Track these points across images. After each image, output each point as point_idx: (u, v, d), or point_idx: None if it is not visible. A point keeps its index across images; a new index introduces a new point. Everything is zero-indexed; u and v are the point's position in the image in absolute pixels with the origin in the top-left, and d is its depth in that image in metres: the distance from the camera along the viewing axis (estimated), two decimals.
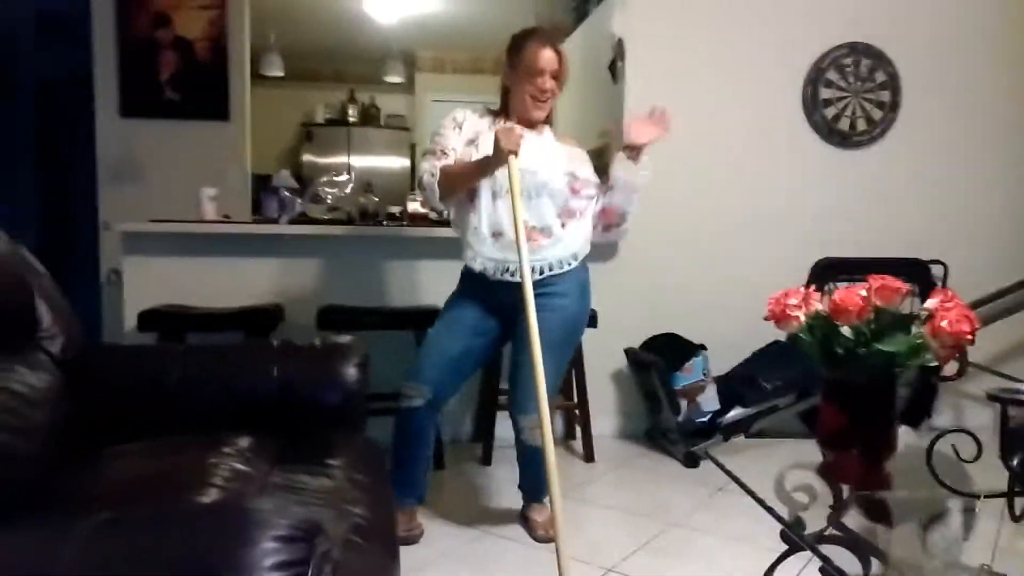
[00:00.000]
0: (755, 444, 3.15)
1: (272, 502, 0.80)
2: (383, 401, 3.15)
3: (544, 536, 2.29)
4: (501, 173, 2.11)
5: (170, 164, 4.34)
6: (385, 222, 3.49)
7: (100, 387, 1.64)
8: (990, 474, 1.38)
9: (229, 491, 1.15)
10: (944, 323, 1.23)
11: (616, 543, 2.28)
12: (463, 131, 2.24)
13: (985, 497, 1.32)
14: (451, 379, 2.27)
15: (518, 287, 2.04)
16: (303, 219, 3.29)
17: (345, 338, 1.78)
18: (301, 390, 1.67)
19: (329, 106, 6.92)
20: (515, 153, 2.03)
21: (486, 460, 3.06)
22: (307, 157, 6.66)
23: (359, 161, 6.66)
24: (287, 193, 3.34)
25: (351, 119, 6.86)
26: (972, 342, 1.25)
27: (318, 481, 1.34)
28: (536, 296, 2.03)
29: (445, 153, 2.19)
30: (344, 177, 3.49)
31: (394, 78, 6.56)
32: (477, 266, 2.23)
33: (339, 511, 1.23)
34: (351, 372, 1.69)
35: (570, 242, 2.25)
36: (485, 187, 2.17)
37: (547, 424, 1.90)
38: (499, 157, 2.04)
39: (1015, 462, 1.25)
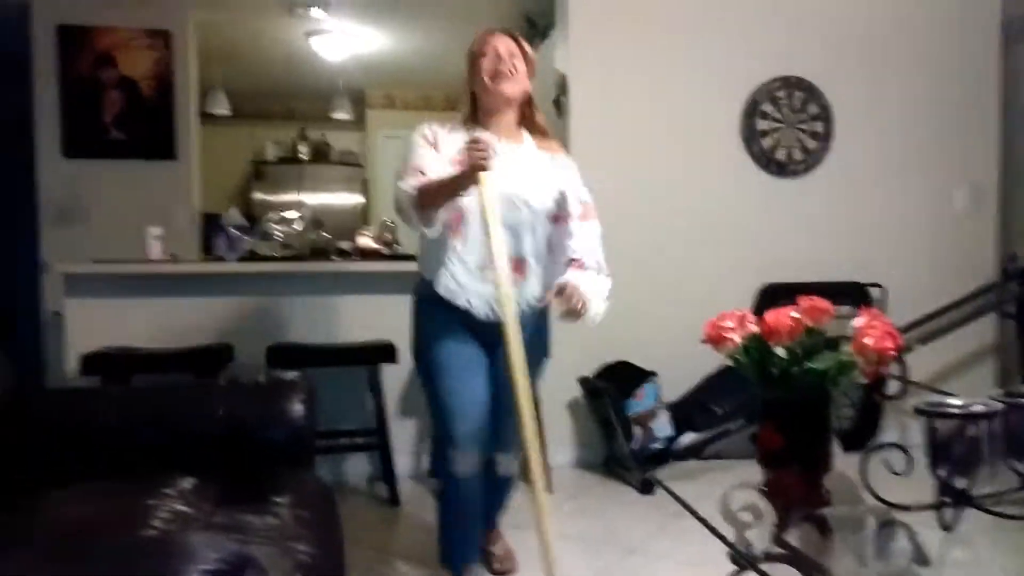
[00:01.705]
0: (710, 467, 3.19)
1: (202, 537, 0.79)
2: (335, 438, 3.13)
3: (500, 569, 2.28)
4: (504, 207, 1.95)
5: (115, 204, 4.28)
6: (335, 258, 3.48)
7: (37, 431, 1.60)
8: (924, 488, 1.43)
9: (167, 532, 1.13)
10: (869, 340, 1.28)
11: (575, 572, 2.28)
12: (440, 149, 2.04)
13: (917, 508, 1.36)
14: (488, 427, 2.07)
15: (500, 327, 1.92)
16: (252, 257, 3.26)
17: (290, 374, 1.77)
18: (246, 428, 1.65)
19: (279, 144, 6.92)
20: (484, 168, 1.85)
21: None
22: (258, 195, 6.63)
23: (311, 198, 6.64)
24: (235, 231, 3.31)
25: (302, 156, 6.86)
26: (896, 359, 1.31)
27: (262, 520, 1.32)
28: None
29: (422, 172, 1.98)
30: (294, 214, 3.48)
31: (344, 115, 6.60)
32: (460, 302, 2.02)
33: (283, 549, 1.22)
34: (297, 408, 1.67)
35: (543, 277, 2.09)
36: (474, 214, 1.96)
37: (538, 463, 1.81)
38: (469, 175, 1.86)
39: (942, 473, 1.30)
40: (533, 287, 2.07)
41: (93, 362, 2.76)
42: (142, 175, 4.42)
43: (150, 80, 4.47)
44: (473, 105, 2.11)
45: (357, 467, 3.31)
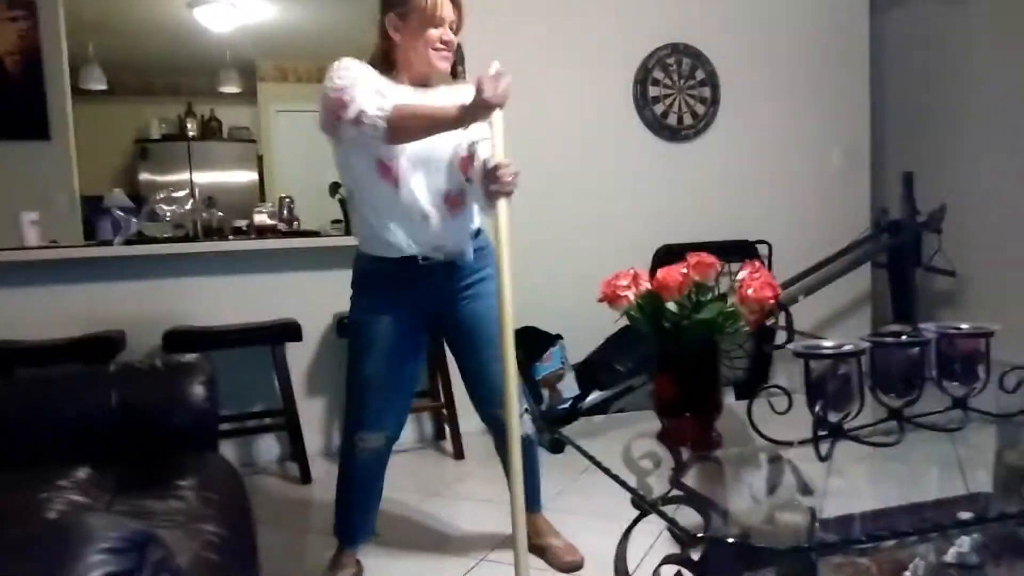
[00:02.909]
0: (616, 422, 3.30)
1: (101, 518, 0.78)
2: (242, 421, 3.07)
3: (572, 563, 2.13)
4: (422, 149, 1.88)
5: None
6: (231, 237, 3.37)
7: None
8: (806, 425, 1.55)
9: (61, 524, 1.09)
10: (750, 291, 1.37)
11: (489, 534, 2.34)
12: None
13: (798, 443, 1.48)
14: (402, 412, 2.09)
15: (445, 270, 1.94)
16: (140, 239, 3.11)
17: (189, 356, 1.72)
18: (144, 414, 1.60)
19: (165, 121, 6.57)
20: (502, 105, 1.75)
21: None
22: (144, 175, 6.29)
23: (202, 177, 6.36)
24: (121, 212, 3.15)
25: (190, 133, 6.55)
26: (775, 306, 1.40)
27: (166, 504, 1.30)
28: (470, 283, 1.96)
29: (382, 94, 1.81)
30: (183, 193, 3.34)
31: (234, 89, 6.33)
32: (403, 248, 1.94)
33: (190, 531, 1.20)
34: (198, 391, 1.63)
35: (473, 212, 2.05)
36: (403, 156, 1.88)
37: (516, 423, 1.77)
38: (483, 110, 1.74)
39: (817, 408, 1.41)
40: (472, 220, 2.03)
41: None
42: (12, 157, 4.12)
43: (16, 55, 4.16)
44: (387, 51, 1.97)
45: (267, 448, 3.26)
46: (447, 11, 1.93)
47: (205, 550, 1.13)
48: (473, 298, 2.02)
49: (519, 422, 1.97)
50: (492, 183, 1.81)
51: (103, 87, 5.66)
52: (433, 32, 1.91)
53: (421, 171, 1.92)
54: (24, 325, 2.83)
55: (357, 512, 2.12)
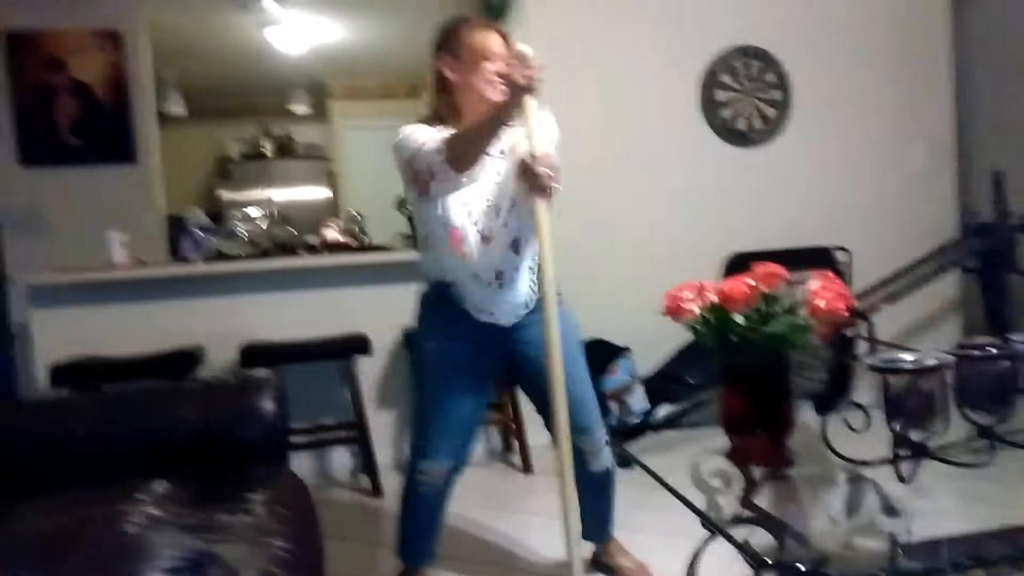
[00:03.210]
0: (686, 437, 3.22)
1: (163, 536, 0.80)
2: (314, 433, 3.14)
3: None
4: (482, 212, 1.89)
5: (76, 211, 4.21)
6: (302, 253, 3.46)
7: (7, 444, 1.59)
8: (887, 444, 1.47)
9: (139, 537, 1.13)
10: (821, 302, 1.31)
11: (559, 549, 2.31)
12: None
13: (876, 463, 1.40)
14: (466, 443, 2.06)
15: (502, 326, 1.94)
16: (219, 257, 3.23)
17: (260, 371, 1.77)
18: (217, 428, 1.65)
19: (242, 140, 6.83)
20: (532, 90, 1.71)
21: None
22: (224, 194, 6.55)
23: (278, 194, 6.58)
24: (200, 232, 3.28)
25: (266, 152, 6.79)
26: (848, 319, 1.34)
27: (236, 518, 1.33)
28: (533, 309, 1.94)
29: (434, 138, 1.83)
30: (258, 211, 3.45)
31: (302, 108, 6.53)
32: (465, 304, 1.96)
33: (258, 545, 1.23)
34: (267, 405, 1.67)
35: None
36: (471, 229, 1.89)
37: (567, 445, 1.78)
38: (516, 97, 1.70)
39: (896, 427, 1.34)
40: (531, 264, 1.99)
41: (62, 373, 2.74)
42: (101, 180, 4.35)
43: (104, 83, 4.40)
44: (448, 97, 1.96)
45: (340, 461, 3.32)
46: (496, 45, 1.91)
47: (272, 564, 1.15)
48: (535, 323, 1.94)
49: (588, 444, 1.99)
50: (525, 178, 1.77)
51: (183, 111, 5.93)
52: (487, 66, 1.89)
53: (488, 240, 1.90)
54: (111, 341, 2.98)
55: (417, 537, 2.12)
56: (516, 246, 1.94)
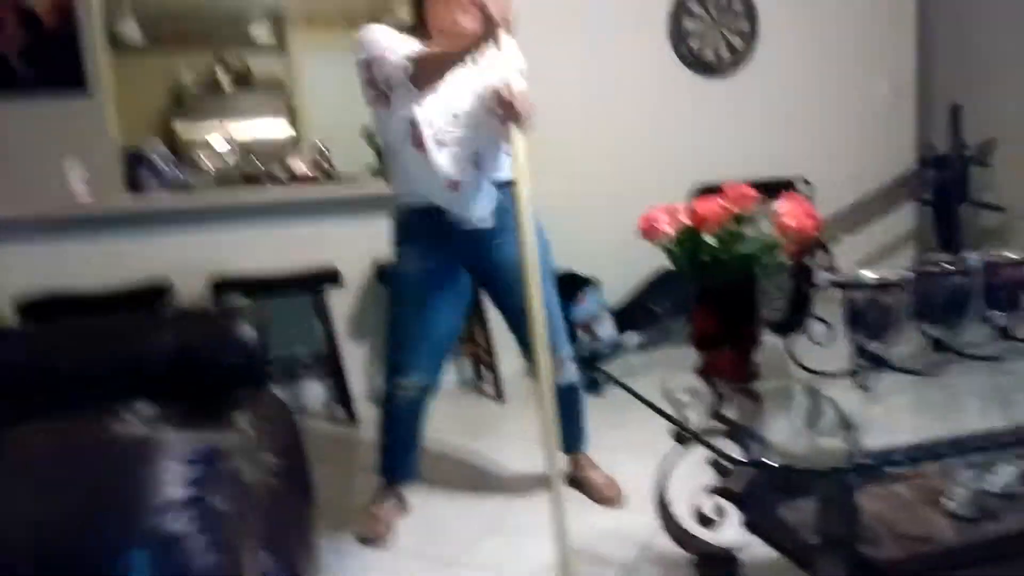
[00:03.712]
0: (654, 363, 3.32)
1: (176, 433, 0.83)
2: (288, 365, 3.17)
3: (601, 498, 2.21)
4: (443, 120, 1.90)
5: (27, 143, 4.04)
6: (269, 185, 3.42)
7: None
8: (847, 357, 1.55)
9: (130, 450, 1.16)
10: (790, 220, 1.36)
11: (535, 472, 2.40)
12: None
13: (838, 374, 1.49)
14: (441, 359, 2.13)
15: (477, 234, 1.97)
16: (183, 187, 3.17)
17: (239, 300, 1.78)
18: (199, 354, 1.66)
19: (198, 72, 6.59)
20: (508, 25, 1.75)
21: None
22: (179, 126, 6.35)
23: (236, 127, 6.40)
24: (163, 164, 3.21)
25: (223, 84, 6.57)
26: (816, 236, 1.40)
27: (225, 435, 1.36)
28: (504, 228, 1.96)
29: (399, 49, 1.85)
30: (223, 144, 3.38)
31: (265, 36, 6.30)
32: (432, 200, 1.97)
33: (249, 459, 1.26)
34: (249, 332, 1.69)
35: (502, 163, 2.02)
36: (428, 132, 1.90)
37: (546, 361, 1.83)
38: (489, 31, 1.74)
39: (857, 338, 1.42)
40: (491, 177, 2.02)
41: (28, 308, 2.70)
42: (52, 110, 4.17)
43: (51, 9, 4.18)
44: (419, 15, 1.98)
45: (314, 392, 3.36)
46: None
47: (265, 475, 1.19)
48: (509, 243, 2.00)
49: (554, 362, 2.01)
50: (501, 109, 1.82)
51: (138, 39, 5.69)
52: None
53: (446, 144, 1.92)
54: (76, 276, 2.93)
55: (398, 453, 2.18)
56: (476, 160, 1.97)
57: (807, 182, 3.76)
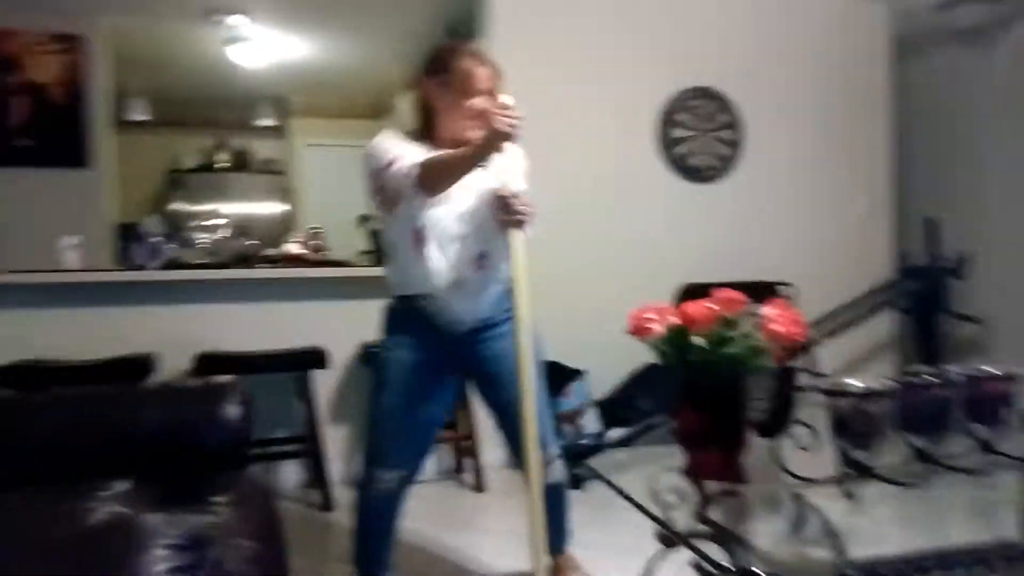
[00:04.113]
0: (638, 459, 3.29)
1: (161, 517, 0.81)
2: (267, 446, 3.11)
3: None
4: (448, 219, 1.92)
5: (23, 214, 4.10)
6: (260, 265, 3.44)
7: None
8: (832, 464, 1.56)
9: (107, 532, 1.13)
10: (777, 327, 1.40)
11: (516, 569, 2.33)
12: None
13: (823, 481, 1.49)
14: (422, 453, 2.07)
15: (468, 334, 1.96)
16: (174, 265, 3.19)
17: (224, 377, 1.76)
18: (180, 433, 1.64)
19: (198, 152, 6.74)
20: (511, 137, 1.79)
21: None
22: (176, 205, 6.44)
23: (231, 208, 6.49)
24: (156, 239, 3.24)
25: (222, 164, 6.71)
26: (802, 343, 1.42)
27: (204, 518, 1.32)
28: (496, 322, 1.95)
29: (406, 157, 1.87)
30: (218, 222, 3.43)
31: (267, 122, 6.49)
32: (422, 305, 1.97)
33: (226, 545, 1.23)
34: (233, 411, 1.67)
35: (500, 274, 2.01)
36: (432, 232, 1.92)
37: (535, 457, 1.79)
38: (495, 142, 1.77)
39: (844, 447, 1.43)
40: (493, 282, 2.02)
41: (8, 375, 2.66)
42: (52, 183, 4.25)
43: (60, 86, 4.32)
44: (428, 118, 2.01)
45: (290, 475, 3.29)
46: (484, 80, 1.94)
47: (242, 563, 1.15)
48: (498, 337, 1.99)
49: (542, 458, 1.95)
50: (503, 212, 1.85)
51: (145, 119, 5.84)
52: (472, 102, 1.92)
53: (450, 245, 1.94)
54: (58, 346, 2.90)
55: (373, 546, 2.11)
56: (480, 262, 1.98)
57: (790, 286, 3.84)
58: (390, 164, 1.87)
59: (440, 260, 1.93)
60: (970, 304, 3.97)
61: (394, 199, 1.89)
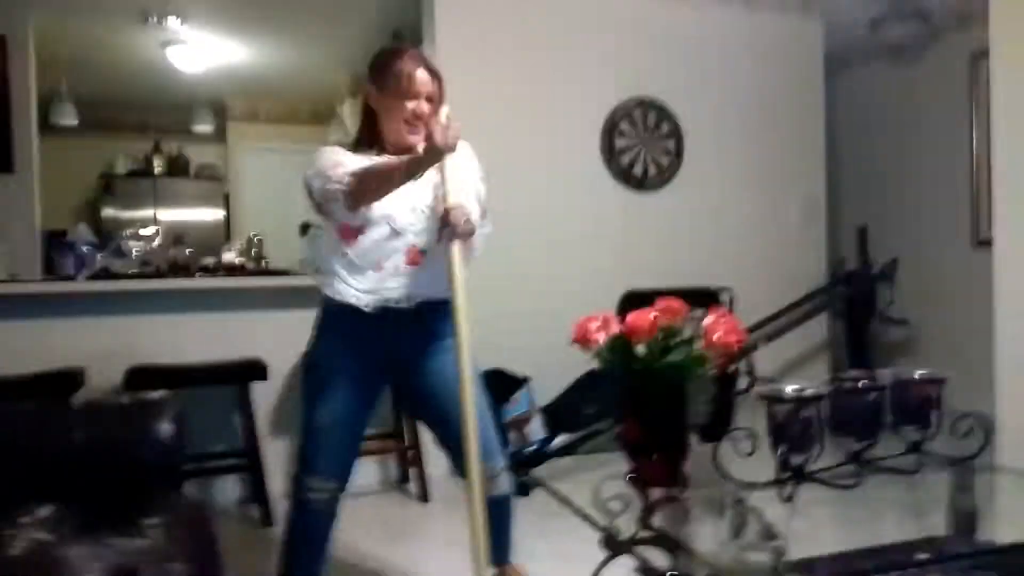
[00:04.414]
0: (583, 465, 3.32)
1: (84, 549, 0.78)
2: (204, 461, 3.02)
3: None
4: (401, 214, 1.90)
5: None
6: (199, 274, 3.35)
7: None
8: (769, 466, 1.60)
9: (27, 561, 1.07)
10: (716, 336, 1.42)
11: None
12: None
13: (763, 485, 1.52)
14: (352, 460, 2.01)
15: (403, 318, 1.90)
16: (105, 275, 3.08)
17: (157, 393, 1.70)
18: (109, 453, 1.57)
19: (132, 157, 6.52)
20: (453, 149, 1.78)
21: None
22: (108, 211, 6.21)
23: (167, 214, 6.30)
24: (86, 248, 3.12)
25: (157, 170, 6.51)
26: (739, 351, 1.45)
27: (132, 543, 1.27)
28: (436, 336, 1.93)
29: (345, 166, 1.85)
30: (151, 230, 3.32)
31: (204, 128, 6.33)
32: (350, 299, 1.91)
33: (157, 570, 1.18)
34: (166, 428, 1.61)
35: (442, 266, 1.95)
36: (380, 222, 1.90)
37: (476, 470, 1.78)
38: (433, 156, 1.76)
39: (780, 451, 1.46)
40: (431, 275, 1.96)
41: None
42: None
43: None
44: (371, 124, 1.99)
45: (229, 490, 3.20)
46: (422, 83, 1.92)
47: None
48: (439, 352, 1.96)
49: (487, 471, 1.94)
50: (444, 225, 1.83)
51: (73, 123, 5.62)
52: (407, 104, 1.90)
53: (381, 227, 1.91)
54: None
55: (306, 560, 2.03)
56: (415, 259, 1.94)
57: (729, 291, 3.94)
58: (324, 171, 1.85)
59: (367, 244, 1.89)
60: (898, 308, 4.13)
61: (328, 210, 1.87)
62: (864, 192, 4.85)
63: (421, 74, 1.92)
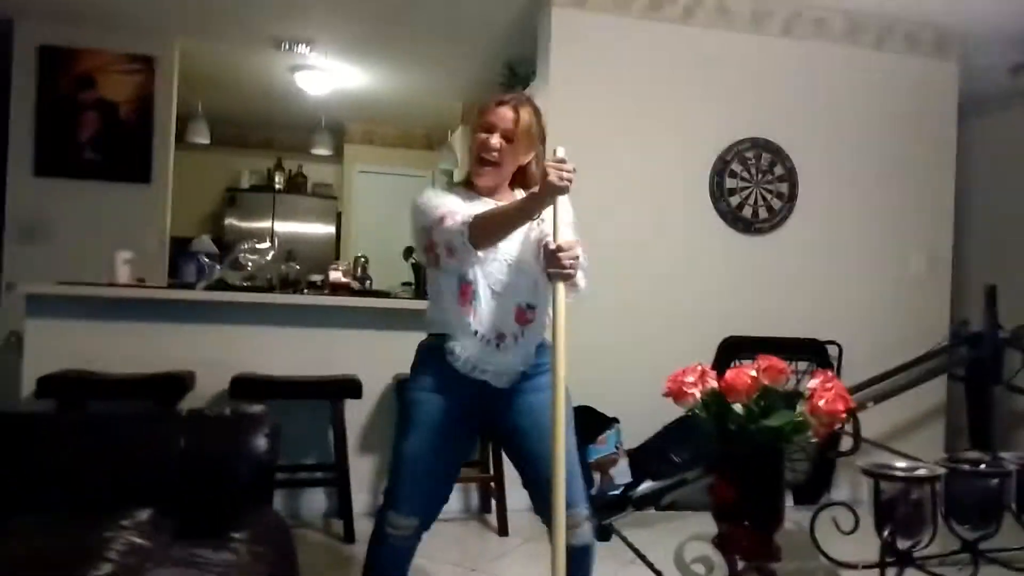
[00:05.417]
0: (666, 517, 3.21)
1: (162, 572, 0.80)
2: (294, 472, 3.11)
3: None
4: (498, 270, 1.89)
5: (86, 225, 4.25)
6: (306, 290, 3.48)
7: None
8: (871, 545, 1.48)
9: (123, 566, 1.13)
10: (821, 402, 1.34)
11: None
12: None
13: (862, 568, 1.41)
14: (438, 502, 1.97)
15: (494, 387, 1.90)
16: (221, 286, 3.25)
17: (255, 407, 1.76)
18: (208, 461, 1.64)
19: (256, 172, 6.92)
20: (566, 191, 1.75)
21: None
22: (231, 221, 6.60)
23: (283, 227, 6.63)
24: (206, 258, 3.31)
25: (277, 185, 6.87)
26: (845, 420, 1.36)
27: (219, 555, 1.32)
28: (530, 376, 1.91)
29: (458, 212, 1.84)
30: (265, 244, 3.49)
31: (322, 149, 6.64)
32: (476, 376, 1.90)
33: None
34: (261, 443, 1.67)
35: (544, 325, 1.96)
36: (482, 283, 1.89)
37: (562, 520, 1.69)
38: (548, 196, 1.74)
39: (885, 533, 1.35)
40: (537, 335, 1.96)
41: (48, 385, 2.72)
42: (114, 197, 4.40)
43: (130, 103, 4.48)
44: (471, 166, 2.00)
45: (314, 502, 3.28)
46: (500, 118, 1.89)
47: None
48: (532, 390, 1.92)
49: (570, 520, 1.82)
50: (550, 265, 1.80)
51: (205, 140, 6.03)
52: (479, 135, 1.89)
53: (497, 298, 1.90)
54: (101, 359, 2.97)
55: None
56: (525, 315, 1.94)
57: (836, 345, 3.73)
58: (441, 220, 1.83)
59: (485, 314, 1.89)
60: None
61: (447, 255, 1.85)
62: (996, 248, 4.51)
63: (502, 109, 1.90)
